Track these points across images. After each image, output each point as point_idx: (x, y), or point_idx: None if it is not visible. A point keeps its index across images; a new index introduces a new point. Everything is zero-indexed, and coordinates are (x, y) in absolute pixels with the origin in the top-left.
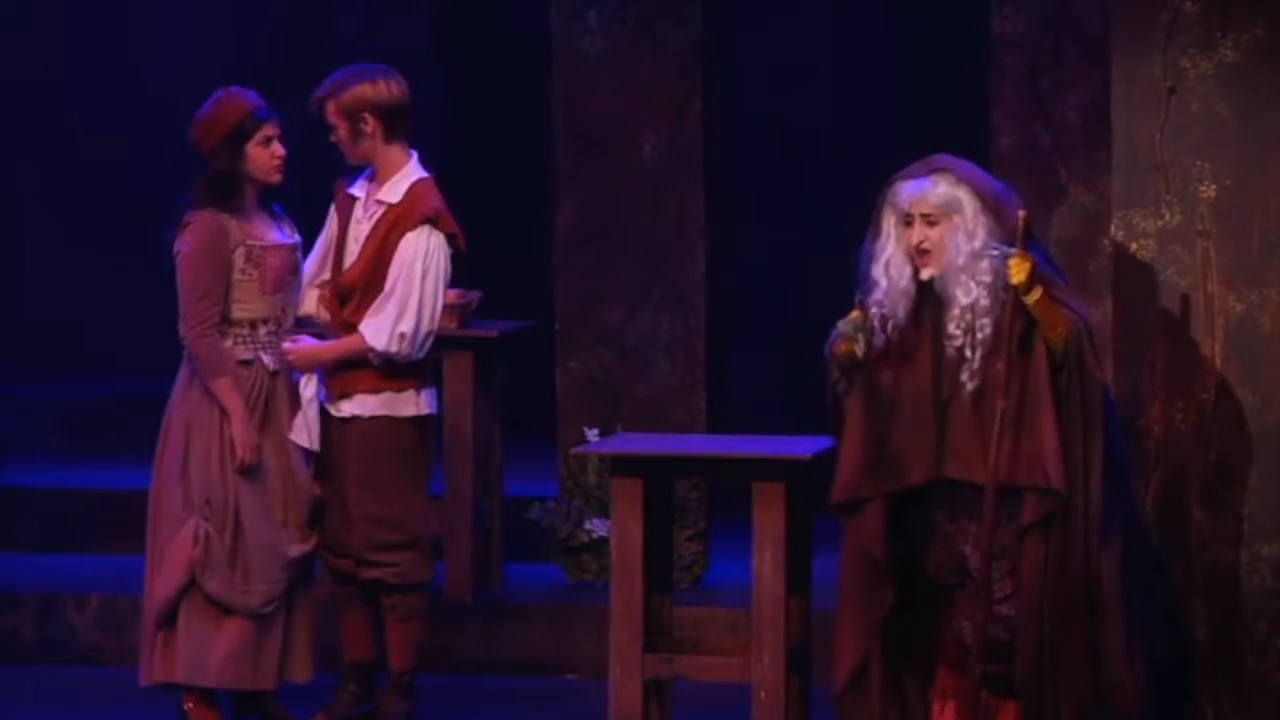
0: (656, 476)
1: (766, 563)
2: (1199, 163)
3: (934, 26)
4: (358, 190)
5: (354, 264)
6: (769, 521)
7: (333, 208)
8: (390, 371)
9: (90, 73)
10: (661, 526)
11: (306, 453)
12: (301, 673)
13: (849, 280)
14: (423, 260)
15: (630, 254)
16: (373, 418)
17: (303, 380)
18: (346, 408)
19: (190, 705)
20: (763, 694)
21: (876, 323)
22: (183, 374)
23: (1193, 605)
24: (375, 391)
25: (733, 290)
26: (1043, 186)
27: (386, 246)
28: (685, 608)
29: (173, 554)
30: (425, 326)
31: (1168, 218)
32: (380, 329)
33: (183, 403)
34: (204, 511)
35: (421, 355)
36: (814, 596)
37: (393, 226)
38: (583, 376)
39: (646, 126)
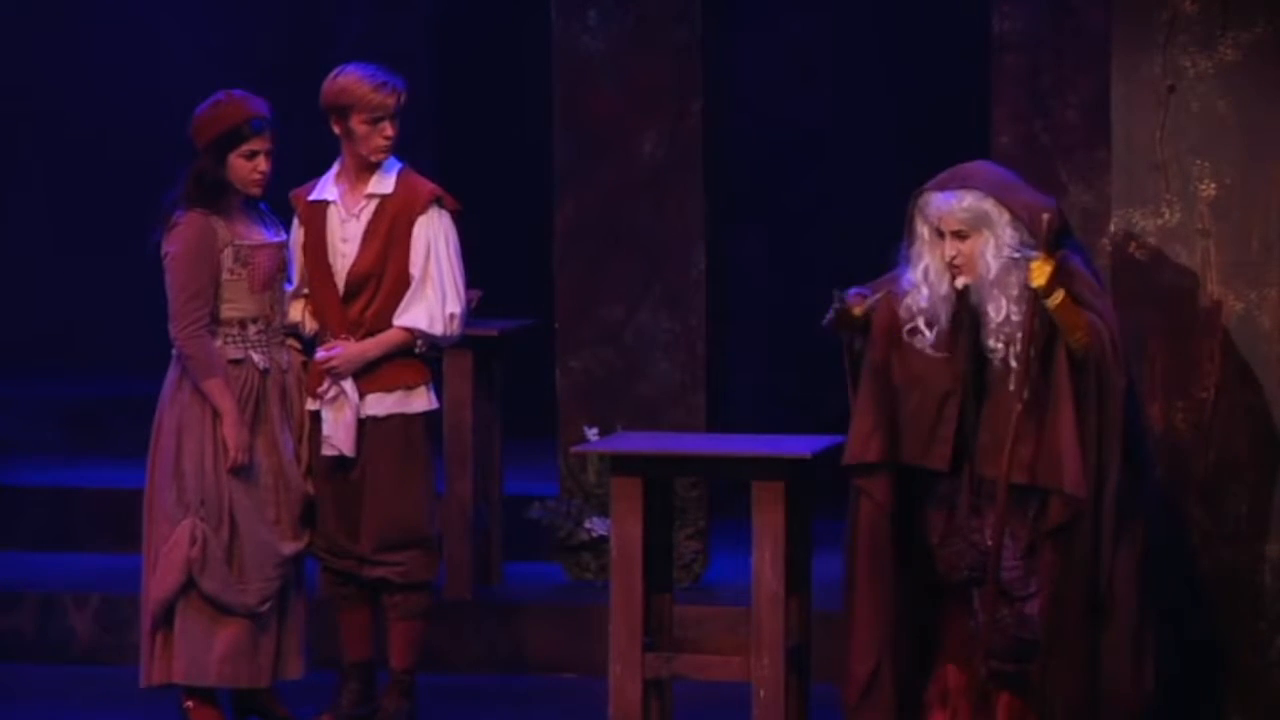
0: (656, 475)
1: (766, 561)
2: (1199, 161)
3: (934, 26)
4: (327, 194)
5: (359, 259)
6: (768, 520)
7: (295, 220)
8: (404, 368)
9: (89, 73)
10: (661, 525)
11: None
12: (294, 670)
13: (848, 280)
14: (444, 240)
15: (630, 253)
16: (388, 416)
17: (348, 385)
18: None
19: (190, 705)
20: (762, 693)
21: (903, 314)
22: (171, 374)
23: (1192, 605)
24: (389, 390)
25: (733, 290)
26: (1042, 185)
27: (395, 235)
28: (685, 606)
29: (169, 554)
30: (462, 305)
31: (1167, 216)
32: (433, 315)
33: (173, 404)
34: (199, 511)
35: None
36: (813, 595)
37: (396, 215)
38: (582, 375)
39: (646, 126)
